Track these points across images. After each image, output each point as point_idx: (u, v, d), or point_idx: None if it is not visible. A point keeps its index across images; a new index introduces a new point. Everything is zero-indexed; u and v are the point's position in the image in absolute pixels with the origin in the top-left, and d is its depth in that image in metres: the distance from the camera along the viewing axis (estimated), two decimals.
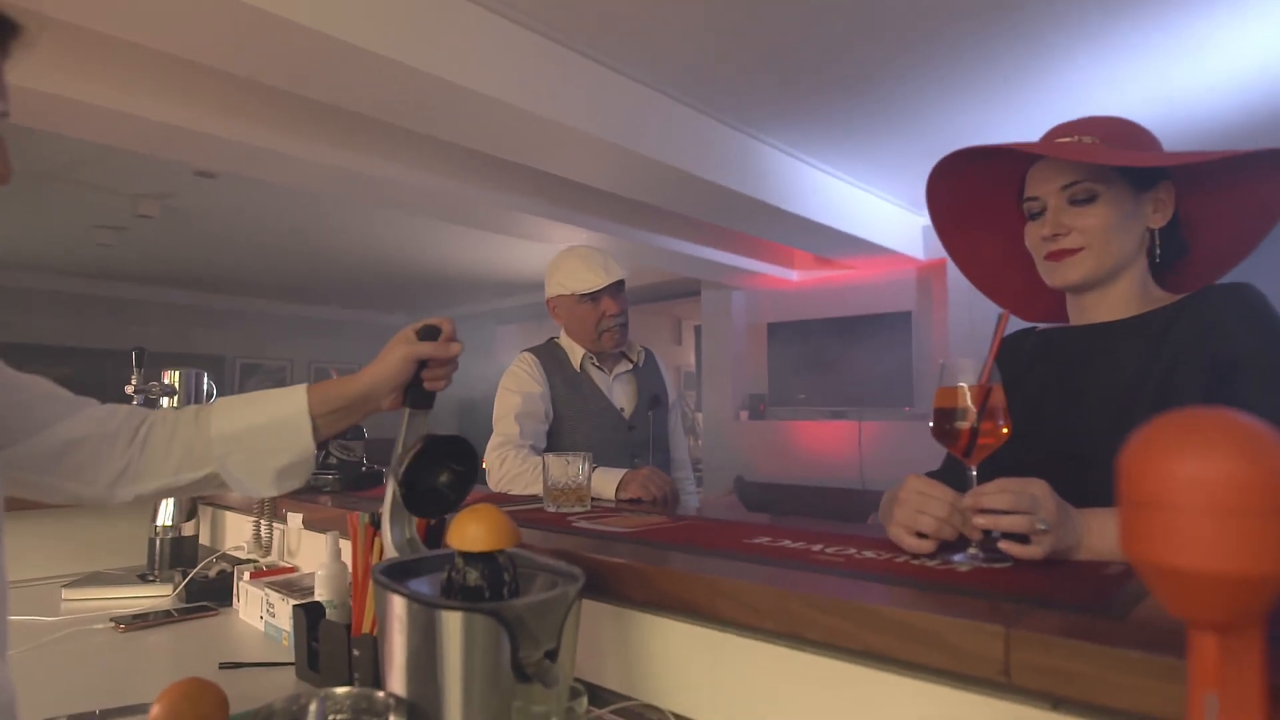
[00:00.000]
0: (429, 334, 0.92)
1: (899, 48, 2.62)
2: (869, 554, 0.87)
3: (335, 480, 1.80)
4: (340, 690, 0.71)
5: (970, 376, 0.84)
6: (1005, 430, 0.83)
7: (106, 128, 2.49)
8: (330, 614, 1.10)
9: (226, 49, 2.03)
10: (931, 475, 1.10)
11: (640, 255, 4.64)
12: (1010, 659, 0.56)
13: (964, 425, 0.83)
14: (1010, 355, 1.09)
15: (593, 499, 1.49)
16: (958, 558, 0.82)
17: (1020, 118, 3.15)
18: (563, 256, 1.92)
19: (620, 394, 1.95)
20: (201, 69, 2.34)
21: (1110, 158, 0.98)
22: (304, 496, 1.71)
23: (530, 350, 1.95)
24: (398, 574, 0.79)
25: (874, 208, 4.12)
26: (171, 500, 1.77)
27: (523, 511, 1.33)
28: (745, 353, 5.64)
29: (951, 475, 1.06)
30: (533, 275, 6.42)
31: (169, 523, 1.77)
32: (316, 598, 1.15)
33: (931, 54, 2.66)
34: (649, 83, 2.76)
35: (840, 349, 4.89)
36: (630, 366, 1.99)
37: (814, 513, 4.69)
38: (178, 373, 1.89)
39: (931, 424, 0.87)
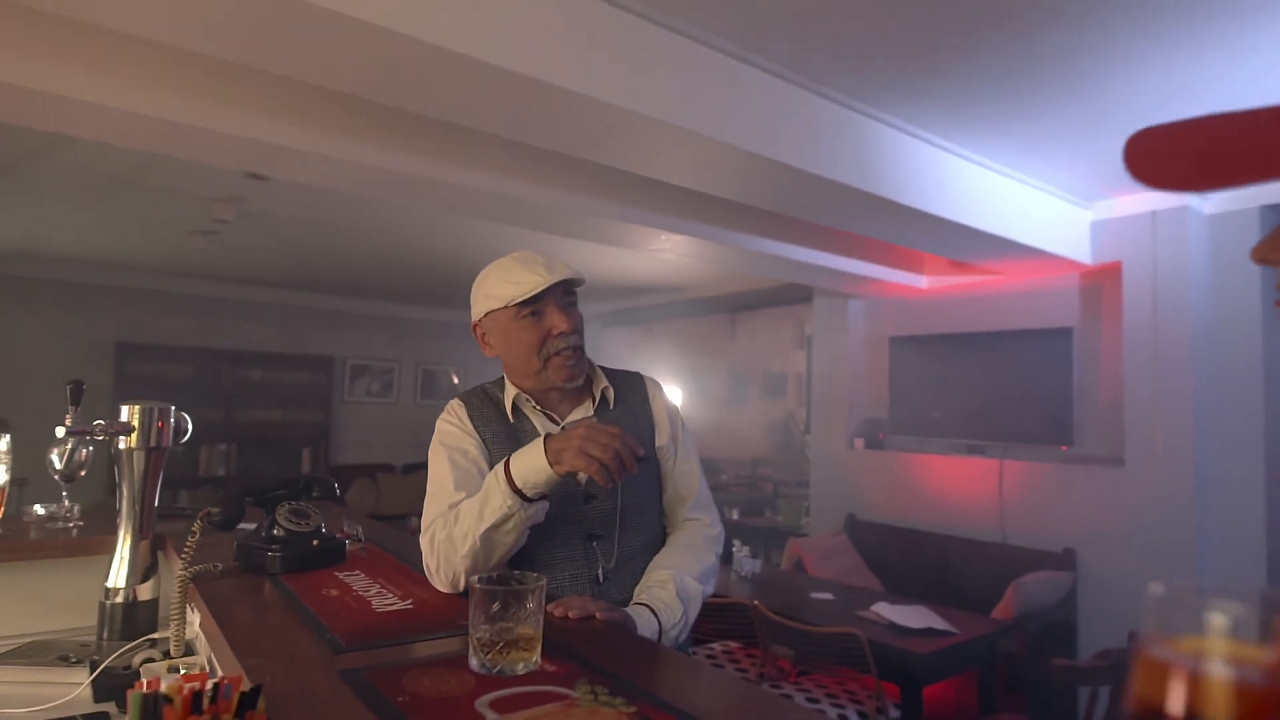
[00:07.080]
0: None
1: None
2: None
3: (276, 558, 1.42)
4: None
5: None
6: None
7: (126, 129, 2.27)
8: None
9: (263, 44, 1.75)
10: None
11: (740, 262, 4.08)
12: None
13: None
14: None
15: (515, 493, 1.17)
16: None
17: (1239, 74, 2.33)
18: (490, 267, 1.39)
19: None
20: (232, 65, 2.09)
21: None
22: (231, 580, 1.34)
23: (461, 396, 1.45)
24: None
25: (1026, 200, 3.30)
26: (125, 552, 1.47)
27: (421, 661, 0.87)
28: (862, 371, 4.90)
29: None
30: (636, 279, 6.12)
31: (120, 584, 1.46)
32: None
33: None
34: (730, 51, 2.21)
35: (980, 371, 4.05)
36: (589, 411, 1.39)
37: (942, 566, 3.95)
38: (138, 408, 1.54)
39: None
